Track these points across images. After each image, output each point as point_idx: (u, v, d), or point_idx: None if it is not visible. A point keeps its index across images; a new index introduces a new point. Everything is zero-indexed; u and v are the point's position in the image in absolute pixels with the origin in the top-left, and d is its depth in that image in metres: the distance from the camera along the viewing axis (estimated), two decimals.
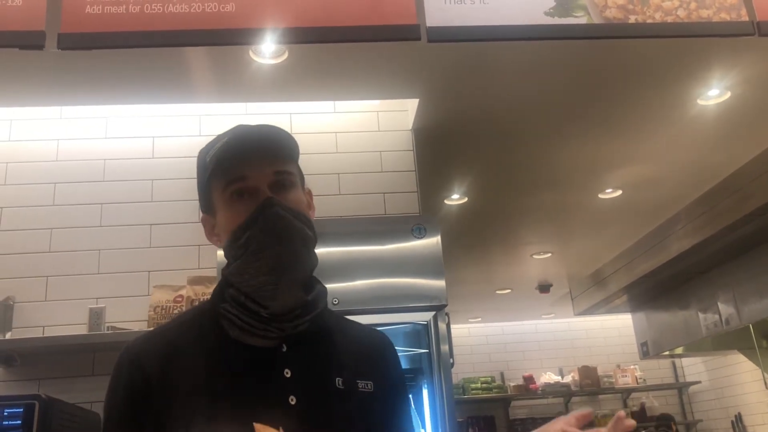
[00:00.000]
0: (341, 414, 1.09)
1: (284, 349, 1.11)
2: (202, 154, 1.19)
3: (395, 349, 1.29)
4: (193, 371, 1.08)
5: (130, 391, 1.10)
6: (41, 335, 2.89)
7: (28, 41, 1.68)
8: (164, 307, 2.88)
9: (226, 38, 1.78)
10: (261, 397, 1.06)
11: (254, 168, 1.12)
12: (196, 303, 2.86)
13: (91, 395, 2.83)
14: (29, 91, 3.07)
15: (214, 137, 1.20)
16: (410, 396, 1.31)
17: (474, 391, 8.08)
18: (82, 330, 2.83)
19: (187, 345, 1.12)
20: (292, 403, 1.06)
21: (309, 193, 1.23)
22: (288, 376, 1.09)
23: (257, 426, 0.98)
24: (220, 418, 1.03)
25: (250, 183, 1.11)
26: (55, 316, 2.95)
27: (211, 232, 1.21)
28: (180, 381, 1.07)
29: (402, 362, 1.30)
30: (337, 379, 1.11)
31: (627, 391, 8.31)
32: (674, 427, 7.01)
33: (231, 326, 1.11)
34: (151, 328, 2.76)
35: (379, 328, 1.31)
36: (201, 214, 1.24)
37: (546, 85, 3.26)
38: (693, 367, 8.32)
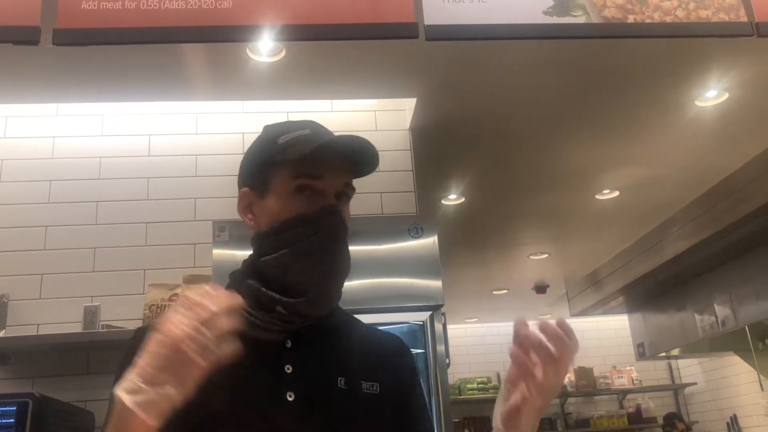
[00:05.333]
0: (340, 414, 1.08)
1: (289, 344, 1.11)
2: (273, 134, 1.16)
3: (410, 353, 1.28)
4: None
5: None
6: (35, 333, 2.87)
7: (23, 36, 1.67)
8: (159, 305, 2.86)
9: (222, 35, 1.77)
10: (259, 390, 1.06)
11: (334, 172, 1.13)
12: None
13: (85, 394, 2.82)
14: (24, 88, 3.05)
15: (285, 122, 1.18)
16: (426, 401, 1.29)
17: (470, 392, 8.08)
18: (76, 328, 2.81)
19: None
20: (290, 399, 1.06)
21: None
22: (289, 371, 1.08)
23: None
24: (215, 407, 1.03)
25: (321, 184, 1.12)
26: (50, 314, 2.94)
27: (246, 208, 1.18)
28: None
29: None
30: (339, 378, 1.11)
31: (623, 393, 8.31)
32: (680, 426, 6.97)
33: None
34: None
35: (370, 324, 1.29)
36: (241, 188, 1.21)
37: (544, 85, 3.25)
38: (689, 369, 8.32)
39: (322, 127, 1.18)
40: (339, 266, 1.12)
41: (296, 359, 1.10)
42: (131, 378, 0.87)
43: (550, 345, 0.96)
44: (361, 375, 1.13)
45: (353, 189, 1.17)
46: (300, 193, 1.11)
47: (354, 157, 1.14)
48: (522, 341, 0.98)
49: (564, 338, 0.97)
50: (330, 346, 1.15)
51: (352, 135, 1.13)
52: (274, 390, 1.07)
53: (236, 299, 0.92)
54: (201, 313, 0.88)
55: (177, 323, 0.88)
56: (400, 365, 1.22)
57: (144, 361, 0.88)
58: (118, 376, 1.10)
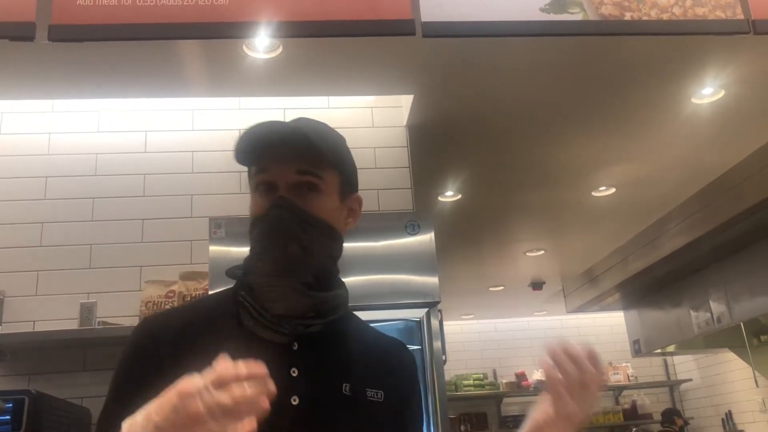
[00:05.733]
0: (344, 420, 1.07)
1: (295, 347, 1.09)
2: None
3: (412, 358, 1.26)
4: (203, 355, 1.04)
5: (141, 357, 1.07)
6: (32, 330, 2.87)
7: (18, 32, 1.66)
8: (156, 302, 2.86)
9: (219, 32, 1.77)
10: None
11: (277, 163, 1.09)
12: (188, 299, 2.84)
13: (81, 390, 2.81)
14: (20, 84, 3.04)
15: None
16: (423, 408, 1.28)
17: (466, 388, 8.10)
18: (73, 325, 2.81)
19: (203, 327, 1.10)
20: (294, 403, 1.04)
21: (356, 200, 1.22)
22: (294, 375, 1.07)
23: None
24: None
25: (270, 178, 1.09)
26: (46, 311, 2.93)
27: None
28: (189, 361, 1.03)
29: None
30: (344, 385, 1.09)
31: (619, 389, 8.34)
32: (679, 422, 6.97)
33: (246, 316, 1.09)
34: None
35: (372, 325, 1.28)
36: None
37: (541, 81, 3.25)
38: (684, 365, 8.35)
39: (276, 122, 1.13)
40: (290, 261, 1.07)
41: (302, 363, 1.08)
42: (138, 419, 0.85)
43: (576, 370, 1.02)
44: (366, 382, 1.11)
45: (316, 176, 1.10)
46: (262, 191, 1.10)
47: (289, 140, 1.08)
48: (554, 360, 1.03)
49: (590, 367, 1.02)
50: (336, 350, 1.13)
51: (295, 119, 1.13)
52: (279, 393, 1.05)
53: (261, 369, 0.85)
54: (223, 378, 0.82)
55: (194, 382, 0.83)
56: (402, 373, 1.20)
57: (153, 407, 0.84)
58: (117, 376, 1.08)
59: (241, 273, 1.16)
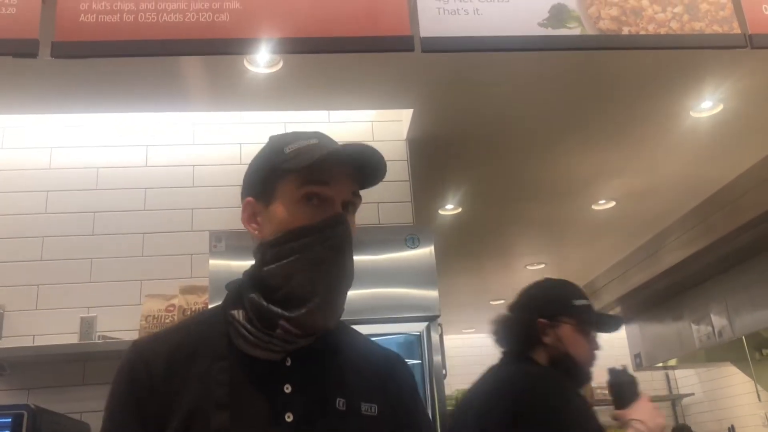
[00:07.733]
0: None
1: (288, 363, 1.09)
2: (280, 143, 1.15)
3: (410, 371, 1.26)
4: (195, 377, 1.06)
5: (133, 387, 1.07)
6: (31, 344, 2.87)
7: (21, 49, 1.67)
8: (156, 316, 2.86)
9: (220, 48, 1.78)
10: (258, 410, 1.04)
11: (340, 181, 1.12)
12: (188, 313, 2.84)
13: (81, 405, 2.81)
14: (23, 99, 3.06)
15: (291, 132, 1.17)
16: (429, 419, 1.27)
17: None
18: (73, 339, 2.81)
19: (194, 348, 1.10)
20: (289, 420, 1.04)
21: None
22: (288, 391, 1.06)
23: None
24: (214, 425, 1.02)
25: (329, 192, 1.11)
26: (46, 325, 2.93)
27: (251, 218, 1.16)
28: (182, 385, 1.05)
29: None
30: (339, 399, 1.08)
31: None
32: None
33: (236, 335, 1.09)
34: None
35: (370, 339, 1.28)
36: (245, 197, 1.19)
37: (540, 96, 3.27)
38: (686, 379, 8.31)
39: (329, 137, 1.17)
40: (343, 278, 1.11)
41: (295, 379, 1.08)
42: None
43: None
44: (361, 396, 1.11)
45: (360, 198, 1.17)
46: (307, 201, 1.10)
47: (362, 165, 1.13)
48: None
49: None
50: (330, 365, 1.12)
51: (361, 143, 1.13)
52: (273, 410, 1.05)
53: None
54: None
55: None
56: (401, 386, 1.20)
57: None
58: (108, 408, 1.08)
59: (235, 289, 1.15)
